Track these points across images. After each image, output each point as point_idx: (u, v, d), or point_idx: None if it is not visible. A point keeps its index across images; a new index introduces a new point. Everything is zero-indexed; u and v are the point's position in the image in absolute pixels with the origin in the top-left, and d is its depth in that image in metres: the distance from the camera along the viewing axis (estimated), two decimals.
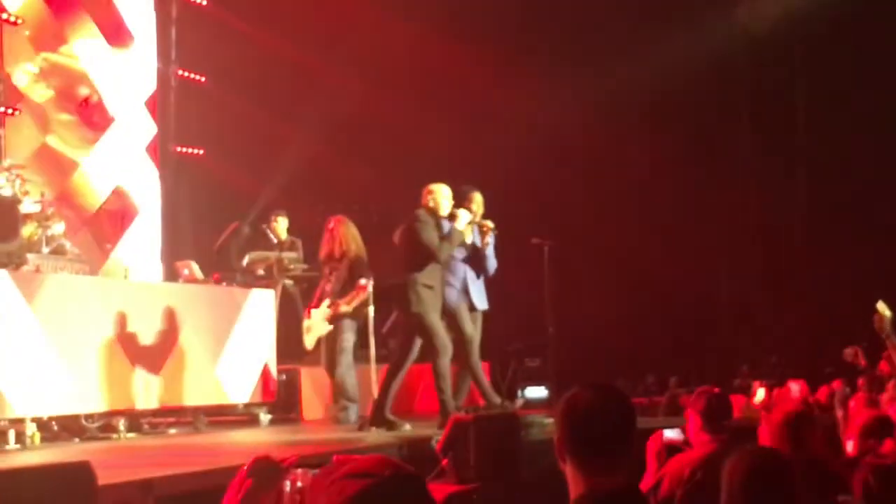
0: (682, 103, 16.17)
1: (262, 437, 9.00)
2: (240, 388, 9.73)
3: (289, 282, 11.55)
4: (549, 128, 15.83)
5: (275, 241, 11.72)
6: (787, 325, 16.97)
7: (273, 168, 14.13)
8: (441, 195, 8.92)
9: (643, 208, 16.45)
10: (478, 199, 9.30)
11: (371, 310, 9.43)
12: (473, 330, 9.13)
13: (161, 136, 13.19)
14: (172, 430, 9.20)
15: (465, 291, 9.15)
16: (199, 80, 13.78)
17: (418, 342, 8.80)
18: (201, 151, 13.71)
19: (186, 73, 13.59)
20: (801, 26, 16.77)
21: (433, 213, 8.88)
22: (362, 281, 9.50)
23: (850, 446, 5.50)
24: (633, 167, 16.18)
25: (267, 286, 10.82)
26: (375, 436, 8.10)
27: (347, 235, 9.69)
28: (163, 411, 9.22)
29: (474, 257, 9.21)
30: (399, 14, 14.83)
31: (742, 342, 16.71)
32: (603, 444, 2.90)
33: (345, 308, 9.54)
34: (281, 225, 11.77)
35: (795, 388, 12.29)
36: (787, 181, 17.81)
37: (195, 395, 9.28)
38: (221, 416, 9.86)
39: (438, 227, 8.82)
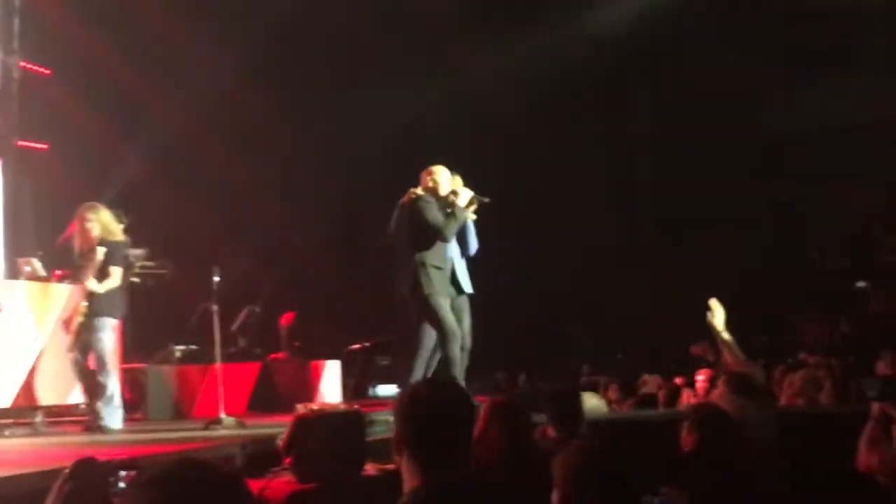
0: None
1: (101, 439, 8.82)
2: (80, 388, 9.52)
3: (135, 280, 11.37)
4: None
5: None
6: (630, 323, 17.38)
7: (120, 164, 13.89)
8: (441, 176, 8.88)
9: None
10: (458, 181, 9.11)
11: (215, 306, 9.29)
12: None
13: (2, 130, 12.83)
14: (7, 433, 8.94)
15: (453, 274, 8.92)
16: (44, 73, 13.43)
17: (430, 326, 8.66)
18: (45, 146, 13.37)
19: (30, 65, 13.24)
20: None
21: (433, 193, 8.82)
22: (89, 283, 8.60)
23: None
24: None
25: None
26: (220, 433, 8.03)
27: (92, 226, 8.78)
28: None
29: (460, 237, 9.02)
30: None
31: (584, 339, 17.04)
32: (441, 438, 2.95)
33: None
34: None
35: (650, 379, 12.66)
36: (632, 174, 18.25)
37: (34, 394, 9.07)
38: (62, 416, 9.65)
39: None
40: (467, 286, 8.97)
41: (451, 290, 8.74)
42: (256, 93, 15.22)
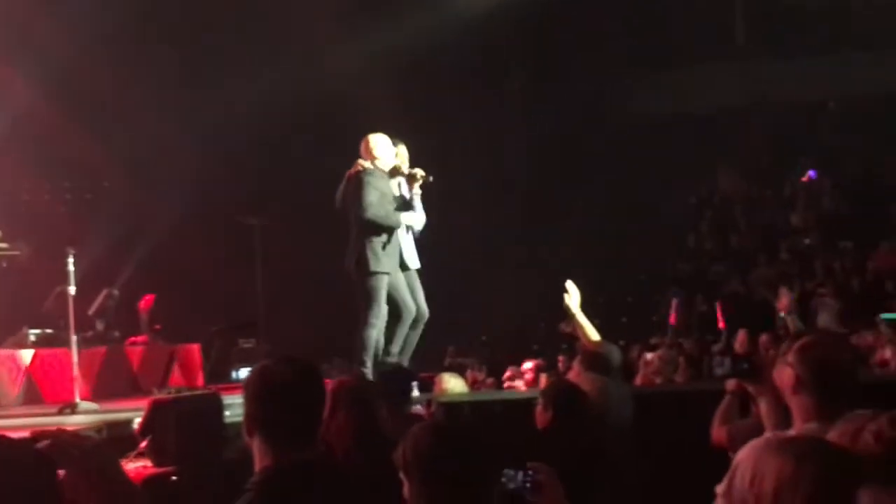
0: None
1: None
2: None
3: None
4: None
5: None
6: (496, 305, 17.52)
7: None
8: (380, 147, 8.55)
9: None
10: (402, 152, 8.86)
11: (71, 289, 9.02)
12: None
13: None
14: None
15: (399, 250, 8.60)
16: None
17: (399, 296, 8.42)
18: None
19: None
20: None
21: (376, 165, 8.50)
22: None
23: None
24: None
25: None
26: (75, 418, 7.83)
27: None
28: None
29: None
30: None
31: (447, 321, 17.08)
32: (293, 418, 2.92)
33: None
34: None
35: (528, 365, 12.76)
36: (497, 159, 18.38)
37: None
38: None
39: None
40: (413, 262, 8.75)
41: (396, 266, 8.46)
42: (109, 69, 14.82)
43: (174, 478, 5.95)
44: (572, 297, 7.47)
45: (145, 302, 12.50)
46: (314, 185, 16.34)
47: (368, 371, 8.22)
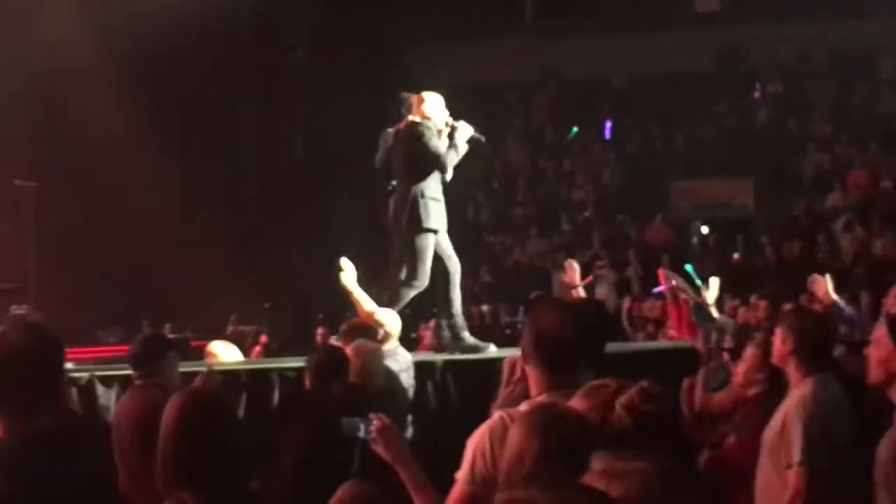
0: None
1: None
2: None
3: None
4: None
5: None
6: (279, 272, 17.43)
7: None
8: (435, 105, 8.20)
9: (124, 159, 16.17)
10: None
11: None
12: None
13: None
14: None
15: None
16: None
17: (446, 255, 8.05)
18: None
19: None
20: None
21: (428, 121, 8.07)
22: None
23: None
24: (114, 119, 15.91)
25: None
26: None
27: None
28: None
29: None
30: None
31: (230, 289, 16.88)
32: (27, 385, 2.83)
33: None
34: None
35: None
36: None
37: None
38: None
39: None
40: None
41: (444, 225, 8.18)
42: None
43: None
44: (347, 272, 7.54)
45: None
46: (90, 150, 15.93)
47: (463, 328, 8.08)
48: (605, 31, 21.99)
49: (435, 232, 8.09)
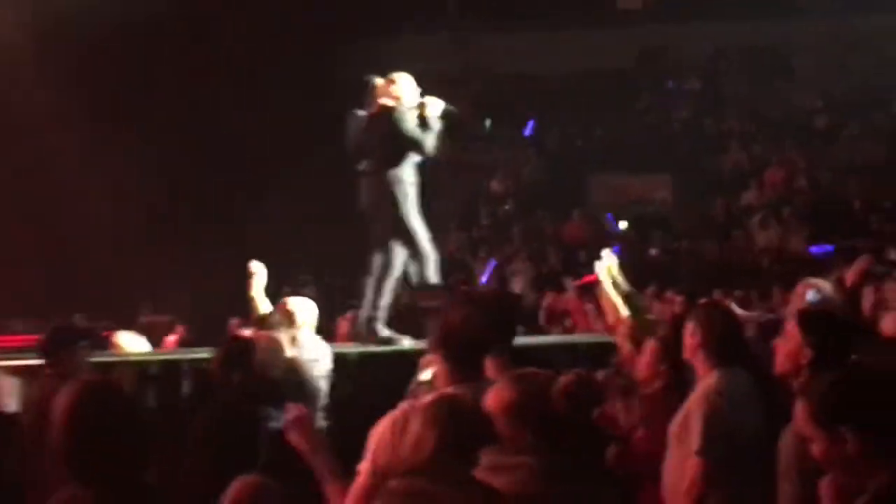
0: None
1: None
2: None
3: None
4: None
5: None
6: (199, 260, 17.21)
7: None
8: (406, 85, 8.08)
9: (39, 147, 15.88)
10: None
11: None
12: None
13: None
14: None
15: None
16: None
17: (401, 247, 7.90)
18: None
19: None
20: None
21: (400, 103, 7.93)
22: None
23: None
24: (28, 107, 15.62)
25: None
26: None
27: None
28: None
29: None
30: None
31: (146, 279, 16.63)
32: None
33: None
34: None
35: None
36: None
37: None
38: None
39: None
40: None
41: (418, 208, 8.11)
42: None
43: None
44: (257, 276, 7.53)
45: None
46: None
47: (381, 321, 8.01)
48: (528, 28, 22.08)
49: (414, 216, 8.07)
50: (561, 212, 19.27)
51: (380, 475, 3.43)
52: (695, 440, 4.72)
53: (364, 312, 8.28)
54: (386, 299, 8.21)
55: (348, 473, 3.69)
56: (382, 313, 8.23)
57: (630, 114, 21.67)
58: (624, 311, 7.05)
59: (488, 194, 20.79)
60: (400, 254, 8.06)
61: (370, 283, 8.19)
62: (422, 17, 22.28)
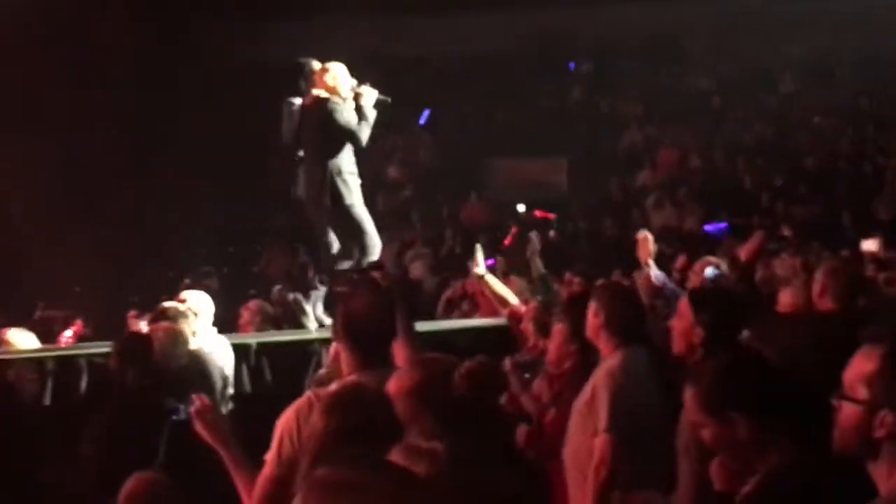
0: None
1: None
2: None
3: None
4: None
5: None
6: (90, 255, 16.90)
7: None
8: (340, 75, 7.99)
9: None
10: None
11: None
12: None
13: None
14: None
15: None
16: None
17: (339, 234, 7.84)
18: None
19: None
20: None
21: (335, 94, 7.84)
22: None
23: None
24: None
25: None
26: None
27: None
28: None
29: None
30: None
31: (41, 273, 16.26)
32: None
33: None
34: None
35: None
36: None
37: None
38: None
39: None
40: None
41: (361, 199, 8.07)
42: None
43: None
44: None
45: None
46: None
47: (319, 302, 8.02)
48: (423, 11, 22.04)
49: (357, 204, 8.07)
50: (459, 196, 19.30)
51: (285, 465, 3.40)
52: (602, 418, 4.76)
53: (292, 296, 8.30)
54: (323, 285, 8.26)
55: (256, 464, 3.66)
56: (313, 298, 8.27)
57: (526, 97, 21.76)
58: (514, 300, 7.13)
59: (386, 180, 20.71)
60: (335, 242, 8.09)
61: (310, 267, 8.28)
62: (321, 2, 22.11)
